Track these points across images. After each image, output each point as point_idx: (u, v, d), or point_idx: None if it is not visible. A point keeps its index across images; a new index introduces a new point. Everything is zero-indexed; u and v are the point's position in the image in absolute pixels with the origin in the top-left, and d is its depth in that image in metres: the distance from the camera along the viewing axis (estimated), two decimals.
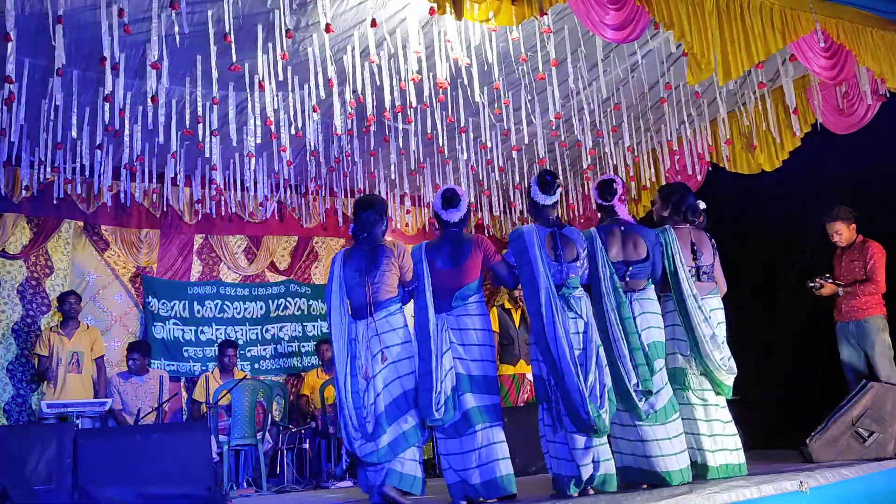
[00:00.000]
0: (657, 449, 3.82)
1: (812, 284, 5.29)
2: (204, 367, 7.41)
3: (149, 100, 5.02)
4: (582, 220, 8.37)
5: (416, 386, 3.78)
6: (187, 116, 5.40)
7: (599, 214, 4.41)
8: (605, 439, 3.73)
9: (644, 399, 3.83)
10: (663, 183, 7.36)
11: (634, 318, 3.96)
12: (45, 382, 6.47)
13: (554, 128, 6.52)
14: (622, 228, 4.17)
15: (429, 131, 5.85)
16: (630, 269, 4.06)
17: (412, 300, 4.07)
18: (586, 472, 3.64)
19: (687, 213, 4.38)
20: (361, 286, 3.83)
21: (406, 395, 3.76)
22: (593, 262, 3.98)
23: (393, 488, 3.69)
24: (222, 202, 7.38)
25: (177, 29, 4.46)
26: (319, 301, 8.30)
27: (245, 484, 6.07)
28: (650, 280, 4.13)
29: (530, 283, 3.82)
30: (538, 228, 3.95)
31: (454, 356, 3.82)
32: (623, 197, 4.31)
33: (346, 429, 3.80)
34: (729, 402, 4.29)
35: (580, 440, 3.66)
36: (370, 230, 3.97)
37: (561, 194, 8.32)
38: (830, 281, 5.25)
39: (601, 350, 3.78)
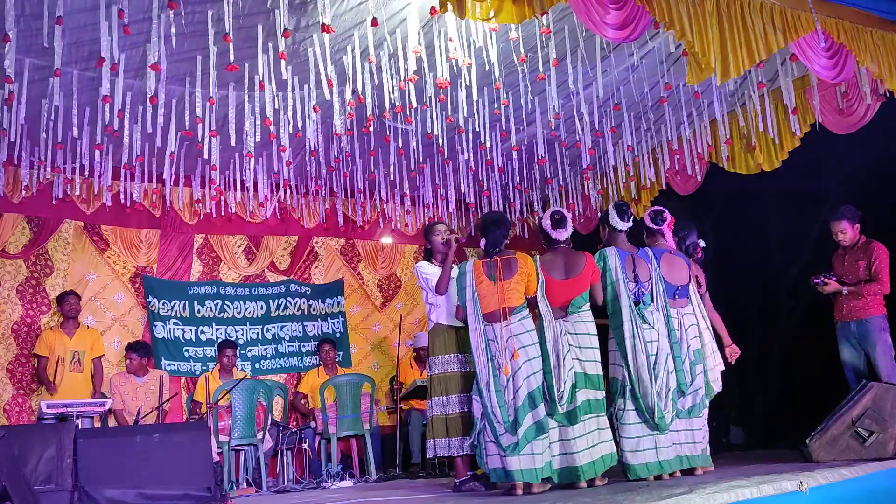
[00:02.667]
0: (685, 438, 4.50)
1: (817, 280, 5.28)
2: (204, 367, 7.41)
3: (148, 100, 5.02)
4: (581, 220, 8.37)
5: (545, 381, 4.29)
6: (187, 116, 5.40)
7: (646, 235, 4.94)
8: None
9: (680, 398, 4.51)
10: (663, 183, 7.37)
11: (686, 330, 4.60)
12: (45, 387, 6.47)
13: (554, 128, 6.52)
14: (672, 253, 4.77)
15: (429, 131, 5.85)
16: (678, 289, 4.65)
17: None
18: (652, 459, 4.30)
19: (689, 249, 5.00)
20: (494, 294, 4.31)
21: (540, 388, 4.22)
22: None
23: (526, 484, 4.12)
24: (222, 202, 7.38)
25: (174, 30, 4.45)
26: (319, 301, 8.31)
27: (245, 484, 6.06)
28: (689, 299, 4.75)
29: (614, 301, 4.49)
30: (619, 252, 4.55)
31: (572, 357, 4.34)
32: (671, 224, 4.90)
33: (489, 424, 4.20)
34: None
35: (648, 434, 4.35)
36: (500, 245, 4.46)
37: (561, 194, 8.33)
38: (835, 279, 5.24)
39: (669, 358, 4.45)
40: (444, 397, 4.64)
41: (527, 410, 4.15)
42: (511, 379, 4.19)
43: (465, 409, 4.54)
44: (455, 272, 4.56)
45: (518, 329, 4.26)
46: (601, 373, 4.39)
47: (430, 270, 4.82)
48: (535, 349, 4.27)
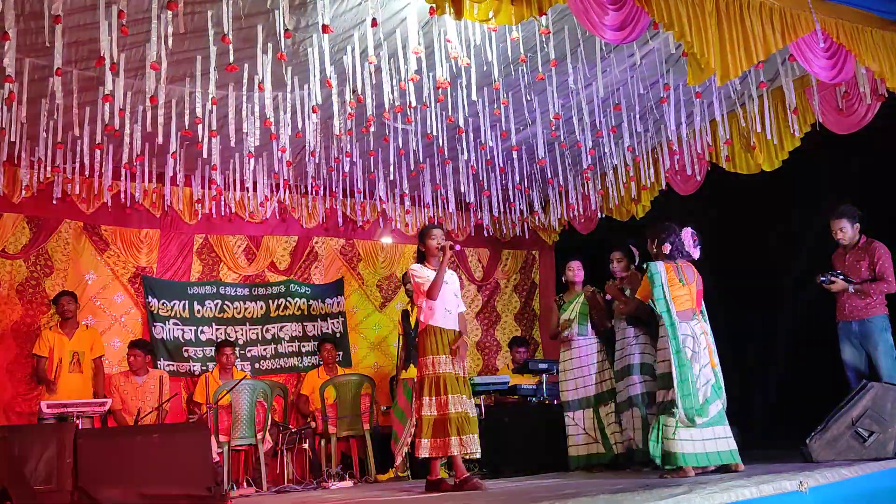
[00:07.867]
0: None
1: (823, 279, 5.26)
2: (204, 368, 7.41)
3: (148, 100, 5.02)
4: (582, 220, 8.37)
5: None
6: (187, 116, 5.40)
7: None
8: None
9: None
10: (663, 183, 7.37)
11: None
12: (44, 387, 6.46)
13: (554, 128, 6.52)
14: None
15: (429, 131, 5.85)
16: None
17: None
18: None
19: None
20: (685, 295, 4.77)
21: (718, 382, 4.74)
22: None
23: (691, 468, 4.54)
24: (222, 202, 7.38)
25: (171, 30, 4.44)
26: (319, 301, 8.30)
27: (245, 484, 6.07)
28: None
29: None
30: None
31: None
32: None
33: (684, 410, 4.55)
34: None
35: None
36: (684, 249, 4.91)
37: (561, 194, 8.29)
38: (842, 278, 5.23)
39: None
40: (437, 398, 4.58)
41: (713, 400, 4.66)
42: (703, 370, 4.64)
43: (459, 410, 4.53)
44: (653, 272, 4.78)
45: (705, 327, 4.78)
46: None
47: (423, 275, 4.79)
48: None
